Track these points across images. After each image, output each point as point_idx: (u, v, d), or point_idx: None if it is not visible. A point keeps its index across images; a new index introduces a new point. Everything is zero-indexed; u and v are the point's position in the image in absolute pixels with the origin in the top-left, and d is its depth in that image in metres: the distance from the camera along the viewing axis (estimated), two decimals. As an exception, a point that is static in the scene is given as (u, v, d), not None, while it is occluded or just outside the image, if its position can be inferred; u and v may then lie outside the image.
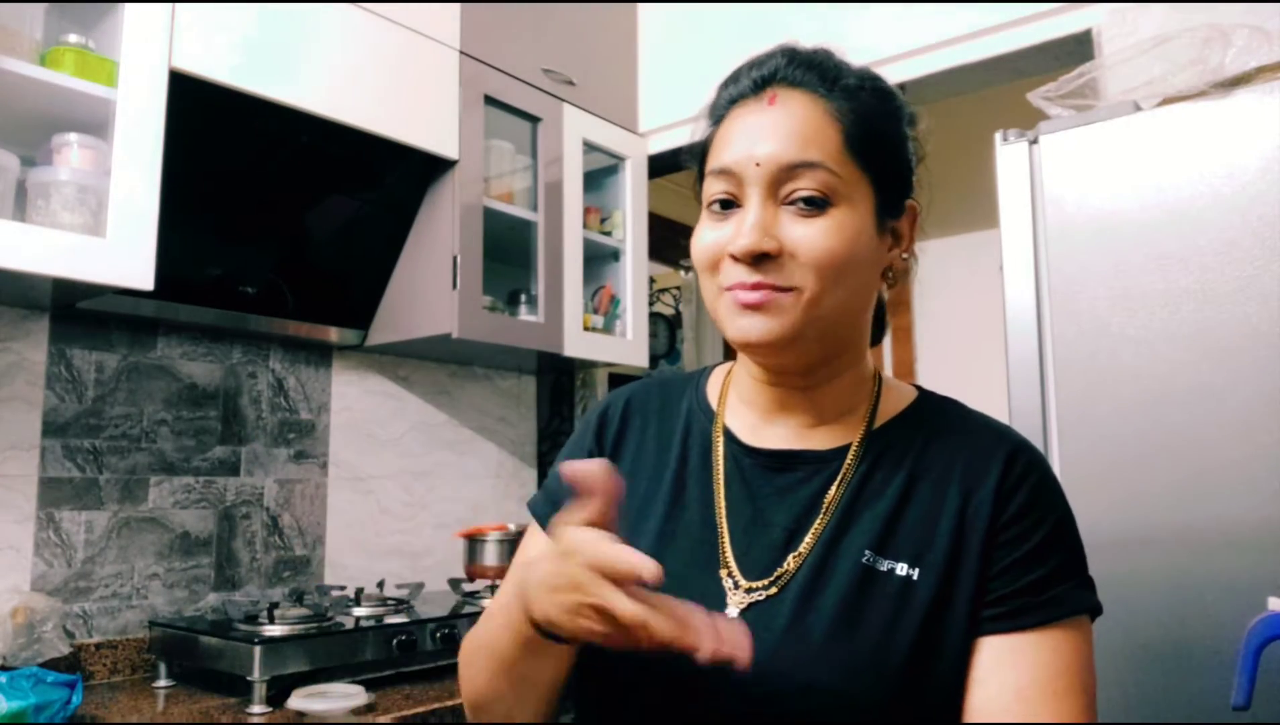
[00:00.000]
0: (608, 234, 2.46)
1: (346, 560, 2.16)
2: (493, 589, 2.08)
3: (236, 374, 2.00)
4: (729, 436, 0.83)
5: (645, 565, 0.58)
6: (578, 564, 0.61)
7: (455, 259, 2.00)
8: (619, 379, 2.77)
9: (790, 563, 0.74)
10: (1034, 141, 1.42)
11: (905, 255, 0.81)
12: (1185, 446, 1.23)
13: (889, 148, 0.77)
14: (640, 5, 2.61)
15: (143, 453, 1.82)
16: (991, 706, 0.69)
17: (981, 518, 0.73)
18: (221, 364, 1.97)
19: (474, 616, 1.81)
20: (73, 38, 1.50)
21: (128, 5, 1.51)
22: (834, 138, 0.73)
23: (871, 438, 0.79)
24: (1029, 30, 1.92)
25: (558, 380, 2.68)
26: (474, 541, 2.14)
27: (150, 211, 1.51)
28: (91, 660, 1.69)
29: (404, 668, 1.72)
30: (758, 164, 0.73)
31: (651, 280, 2.96)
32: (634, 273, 2.48)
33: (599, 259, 2.47)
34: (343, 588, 1.93)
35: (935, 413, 0.81)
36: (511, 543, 2.12)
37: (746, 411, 0.83)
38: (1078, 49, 1.84)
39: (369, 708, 1.50)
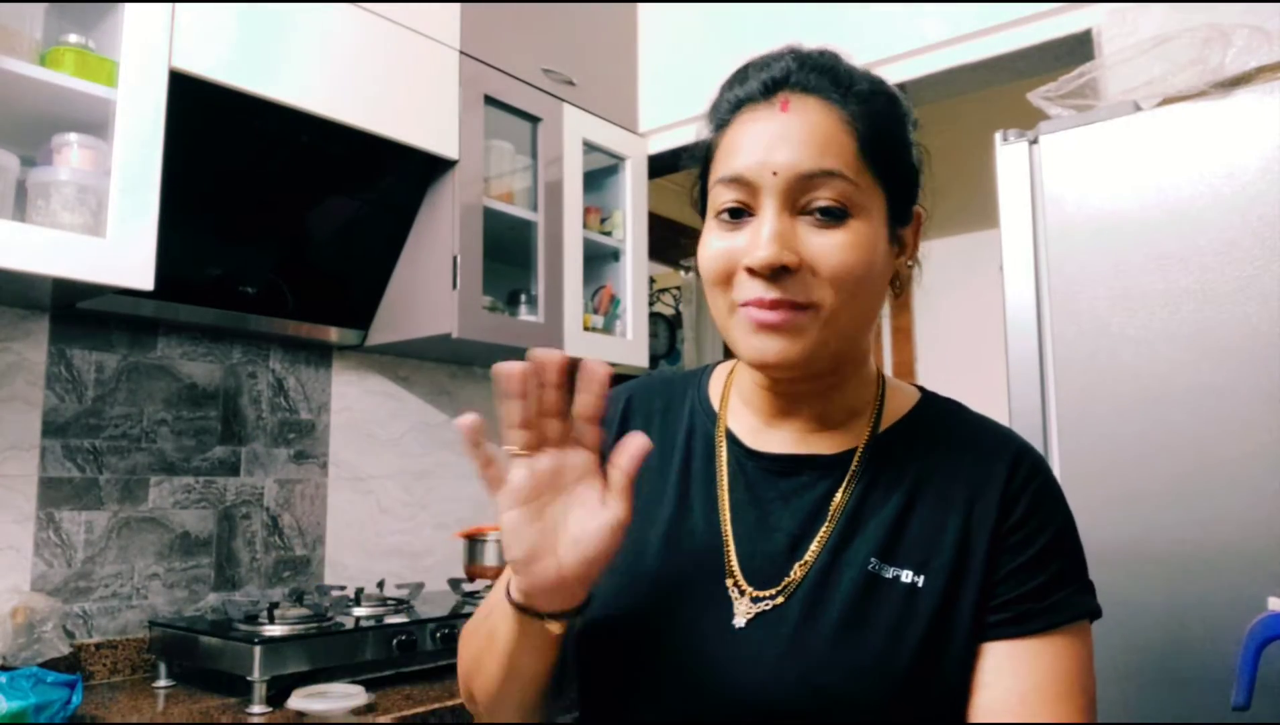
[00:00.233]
0: (608, 234, 2.46)
1: (346, 560, 2.16)
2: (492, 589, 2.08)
3: (236, 374, 2.00)
4: (732, 439, 0.81)
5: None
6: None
7: (455, 259, 2.00)
8: (619, 379, 2.77)
9: (796, 571, 0.74)
10: (1034, 141, 1.42)
11: (910, 262, 0.80)
12: (1185, 446, 1.23)
13: (899, 155, 0.76)
14: (640, 5, 2.61)
15: (143, 453, 1.82)
16: (995, 710, 0.69)
17: (986, 524, 0.73)
18: (221, 364, 1.97)
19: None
20: (73, 38, 1.50)
21: (128, 5, 1.51)
22: (849, 146, 0.71)
23: (876, 443, 0.78)
24: (1029, 30, 1.92)
25: (558, 380, 2.68)
26: (474, 541, 2.14)
27: (150, 211, 1.51)
28: (91, 660, 1.69)
29: (404, 668, 1.72)
30: (775, 172, 0.70)
31: (651, 280, 2.96)
32: (634, 273, 2.48)
33: (599, 259, 2.47)
34: (343, 588, 1.93)
35: (939, 416, 0.81)
36: (511, 543, 2.12)
37: (749, 414, 0.82)
38: (1078, 49, 1.84)
39: (369, 708, 1.50)
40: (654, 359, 2.71)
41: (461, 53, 2.07)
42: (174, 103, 1.55)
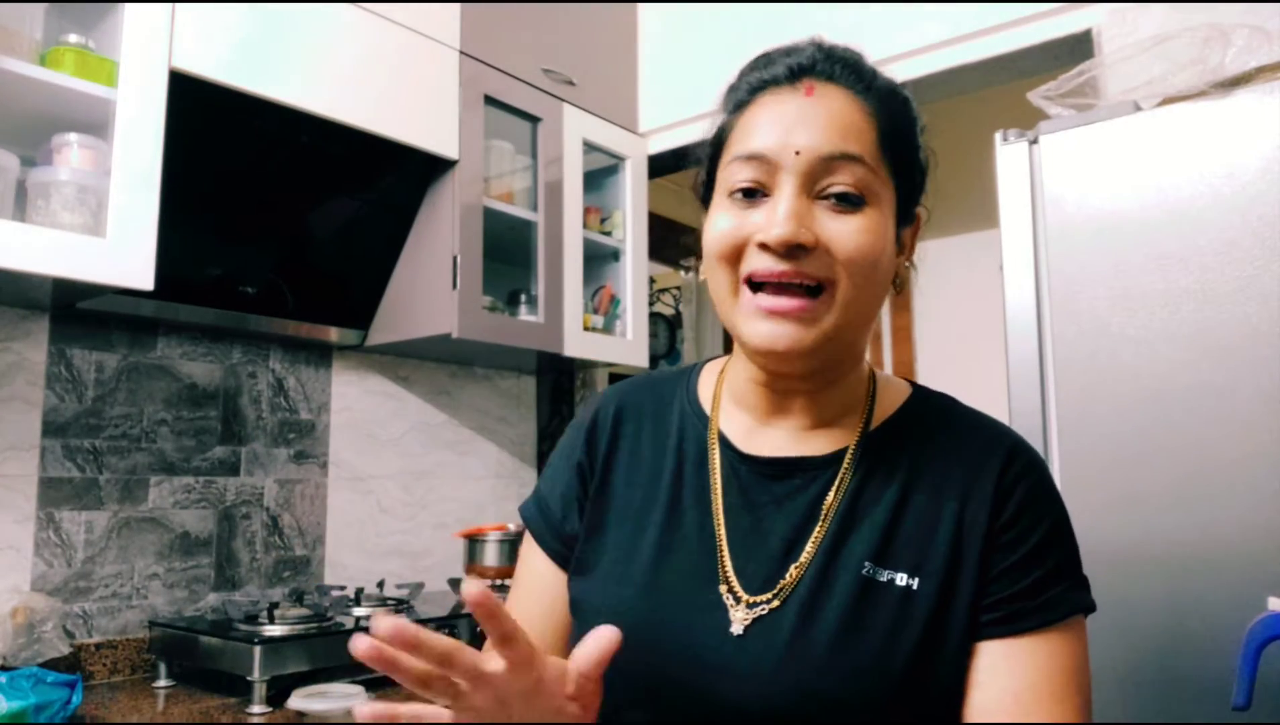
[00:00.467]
0: (608, 234, 2.46)
1: (346, 560, 2.16)
2: (493, 589, 2.08)
3: (236, 374, 2.00)
4: (724, 443, 0.81)
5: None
6: None
7: (455, 259, 2.00)
8: (619, 379, 2.77)
9: (791, 573, 0.73)
10: (1034, 141, 1.42)
11: (908, 263, 0.80)
12: (1185, 446, 1.23)
13: (912, 154, 0.77)
14: (640, 5, 2.61)
15: (143, 453, 1.82)
16: (990, 709, 0.69)
17: (979, 522, 0.72)
18: (221, 364, 1.97)
19: (473, 617, 1.81)
20: (73, 38, 1.50)
21: (128, 5, 1.51)
22: (870, 135, 0.72)
23: (868, 441, 0.78)
24: (1029, 30, 1.92)
25: (558, 380, 2.68)
26: (474, 541, 2.14)
27: (150, 211, 1.51)
28: (91, 660, 1.69)
29: (404, 668, 1.72)
30: (797, 152, 0.70)
31: (651, 280, 2.96)
32: (634, 273, 2.48)
33: (599, 259, 2.47)
34: (343, 588, 1.93)
35: (930, 412, 0.81)
36: (511, 543, 2.12)
37: (742, 414, 0.82)
38: (1078, 49, 1.84)
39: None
40: (654, 359, 2.71)
41: (461, 53, 2.07)
42: (174, 103, 1.55)
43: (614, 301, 2.45)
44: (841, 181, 0.70)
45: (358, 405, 2.22)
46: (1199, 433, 1.22)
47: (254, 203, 1.91)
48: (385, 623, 0.54)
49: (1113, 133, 1.35)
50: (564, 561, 0.85)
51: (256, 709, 1.48)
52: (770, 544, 0.75)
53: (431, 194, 2.07)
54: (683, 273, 3.43)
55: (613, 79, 2.50)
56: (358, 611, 1.78)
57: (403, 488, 2.31)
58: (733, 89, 0.78)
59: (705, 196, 0.80)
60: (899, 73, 2.29)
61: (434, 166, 2.05)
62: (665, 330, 3.23)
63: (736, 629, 0.72)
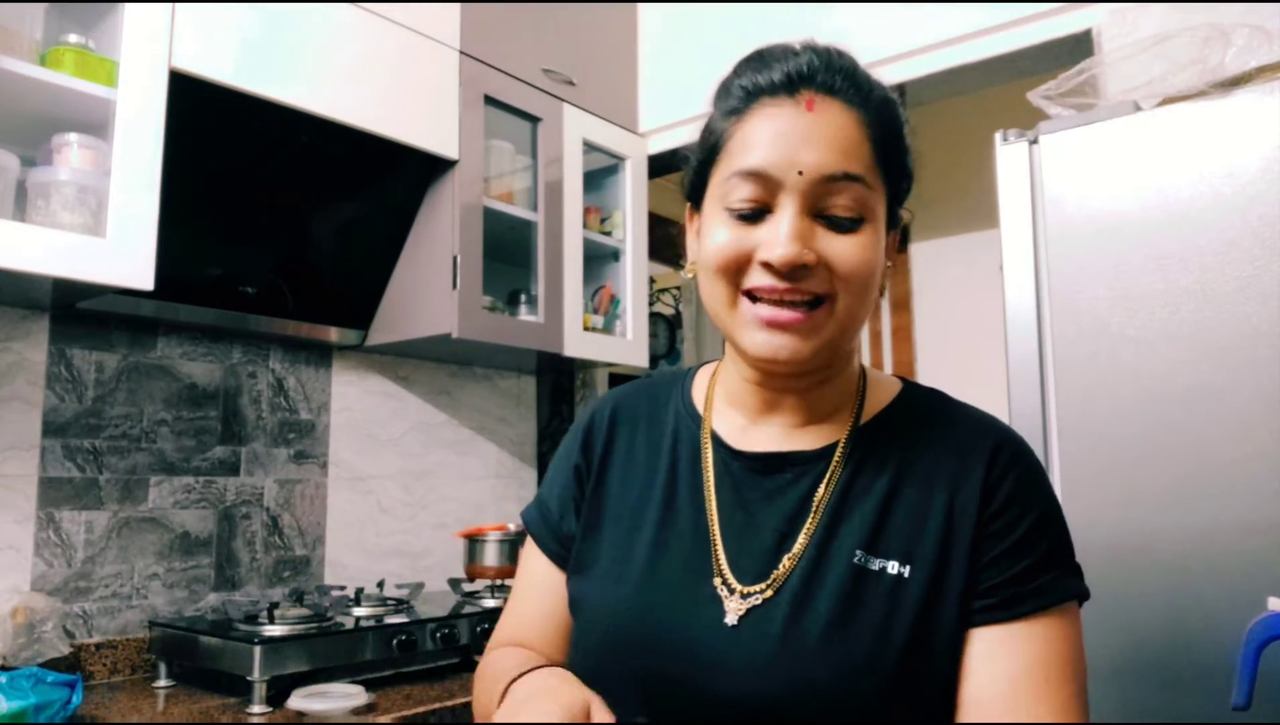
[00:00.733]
0: (608, 234, 2.46)
1: (346, 560, 2.16)
2: (492, 589, 2.08)
3: (236, 374, 2.00)
4: (717, 441, 0.82)
5: None
6: None
7: (455, 259, 2.00)
8: (619, 379, 2.77)
9: (784, 564, 0.74)
10: (1034, 141, 1.42)
11: (888, 263, 0.81)
12: (1185, 446, 1.23)
13: (903, 161, 0.77)
14: (640, 5, 2.61)
15: (143, 453, 1.82)
16: (984, 696, 0.69)
17: (969, 512, 0.73)
18: (221, 364, 1.97)
19: (474, 616, 1.82)
20: (73, 38, 1.50)
21: (128, 5, 1.51)
22: (867, 152, 0.73)
23: (858, 435, 0.79)
24: (1029, 30, 1.92)
25: (558, 380, 2.68)
26: (474, 541, 2.14)
27: (150, 211, 1.51)
28: (91, 660, 1.69)
29: (404, 668, 1.72)
30: (800, 171, 0.70)
31: (651, 280, 2.96)
32: (634, 273, 2.48)
33: (599, 259, 2.47)
34: (343, 588, 1.93)
35: (920, 406, 0.81)
36: (511, 543, 2.12)
37: (734, 413, 0.83)
38: (1078, 49, 1.84)
39: (369, 708, 1.50)
40: (654, 359, 2.71)
41: (461, 53, 2.07)
42: (174, 103, 1.55)
43: (614, 301, 2.45)
44: (843, 203, 0.71)
45: (358, 405, 2.22)
46: (1199, 433, 1.22)
47: (254, 203, 1.91)
48: None
49: (1113, 133, 1.35)
50: (563, 562, 0.87)
51: (256, 709, 1.48)
52: (763, 537, 0.76)
53: (431, 194, 2.07)
54: (683, 273, 3.43)
55: (613, 79, 2.50)
56: (358, 611, 1.78)
57: (403, 488, 2.31)
58: (726, 90, 0.77)
59: (694, 196, 0.81)
60: (899, 73, 2.30)
61: (434, 166, 2.05)
62: (665, 330, 3.23)
63: (731, 619, 0.73)
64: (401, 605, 1.88)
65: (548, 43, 2.30)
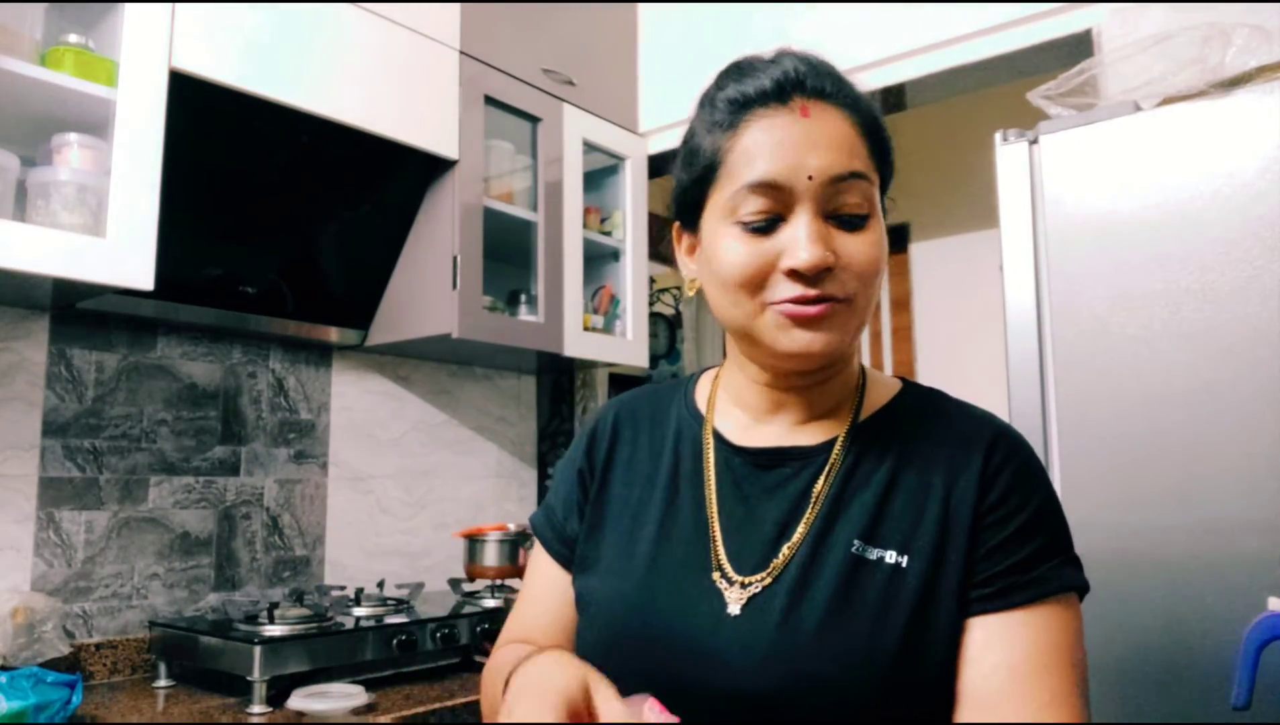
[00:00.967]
0: (608, 234, 2.46)
1: (346, 560, 2.16)
2: (493, 589, 2.08)
3: (236, 374, 2.00)
4: (718, 439, 0.84)
5: None
6: None
7: (455, 259, 2.00)
8: (619, 379, 2.77)
9: (783, 554, 0.75)
10: (1034, 141, 1.42)
11: None
12: (1185, 446, 1.23)
13: (889, 155, 0.79)
14: (640, 5, 2.61)
15: (143, 453, 1.83)
16: (984, 685, 0.70)
17: (966, 504, 0.74)
18: (221, 364, 1.97)
19: (474, 616, 1.82)
20: (73, 38, 1.50)
21: (128, 5, 1.51)
22: (864, 149, 0.75)
23: (857, 430, 0.80)
24: (1029, 30, 1.92)
25: (558, 380, 2.68)
26: (474, 541, 2.14)
27: (150, 211, 1.51)
28: (91, 660, 1.69)
29: (404, 668, 1.72)
30: (810, 176, 0.72)
31: (651, 280, 2.96)
32: (634, 273, 2.48)
33: (599, 259, 2.47)
34: (343, 588, 1.93)
35: (919, 403, 0.83)
36: (512, 543, 2.12)
37: (738, 413, 0.84)
38: (1078, 49, 1.84)
39: (369, 708, 1.50)
40: (654, 359, 2.71)
41: (461, 53, 2.07)
42: (174, 103, 1.55)
43: (614, 301, 2.45)
44: (852, 201, 0.73)
45: (358, 405, 2.22)
46: (1199, 433, 1.22)
47: (254, 203, 1.91)
48: None
49: (1113, 133, 1.35)
50: (568, 564, 0.89)
51: (256, 709, 1.48)
52: (763, 530, 0.77)
53: (431, 194, 2.07)
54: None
55: (613, 79, 2.50)
56: (358, 611, 1.78)
57: (403, 488, 2.31)
58: (710, 105, 0.78)
59: (687, 215, 0.81)
60: (899, 73, 2.31)
61: (434, 166, 2.05)
62: (665, 330, 3.23)
63: (733, 609, 0.74)
64: (401, 605, 1.88)
65: (548, 43, 2.30)
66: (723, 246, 0.75)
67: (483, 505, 2.50)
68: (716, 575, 0.76)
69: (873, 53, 2.13)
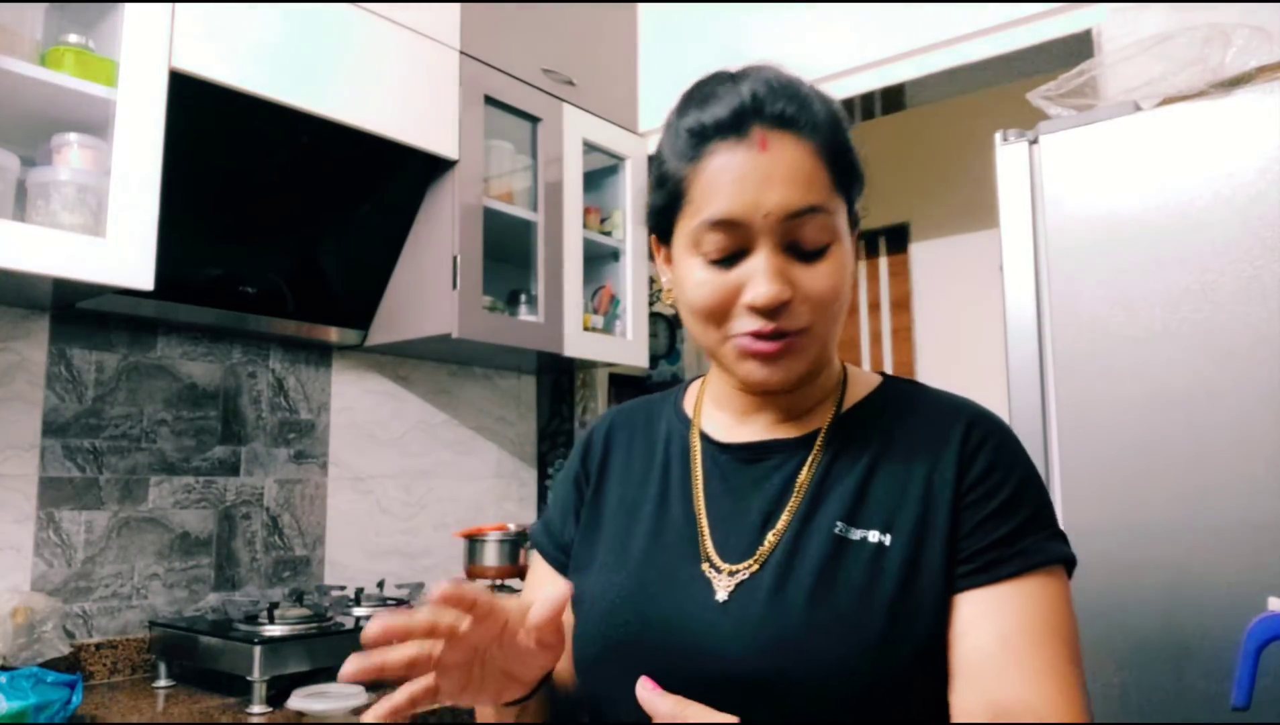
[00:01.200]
0: (608, 234, 2.46)
1: (346, 560, 2.16)
2: (493, 589, 2.08)
3: (236, 374, 2.00)
4: (705, 439, 0.86)
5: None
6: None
7: (455, 259, 2.00)
8: (619, 379, 2.77)
9: (769, 540, 0.77)
10: (1034, 141, 1.42)
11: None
12: (1185, 446, 1.23)
13: (857, 172, 0.79)
14: (640, 5, 2.61)
15: (143, 453, 1.82)
16: (975, 658, 0.70)
17: (947, 482, 0.75)
18: (221, 364, 1.97)
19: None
20: (73, 38, 1.50)
21: (128, 5, 1.51)
22: (824, 179, 0.75)
23: (839, 422, 0.82)
24: (1029, 30, 1.92)
25: (558, 380, 2.68)
26: (474, 541, 2.14)
27: (150, 211, 1.51)
28: (91, 660, 1.69)
29: (404, 668, 1.72)
30: (767, 214, 0.72)
31: (651, 280, 2.96)
32: (634, 273, 2.48)
33: (599, 259, 2.47)
34: (343, 588, 1.93)
35: (898, 394, 0.85)
36: (512, 543, 2.12)
37: (723, 414, 0.87)
38: (1078, 49, 1.84)
39: (369, 708, 1.50)
40: (654, 359, 2.71)
41: (461, 53, 2.07)
42: (174, 103, 1.55)
43: (614, 301, 2.45)
44: (809, 236, 0.74)
45: (358, 405, 2.22)
46: (1199, 433, 1.22)
47: (253, 203, 1.91)
48: (372, 628, 0.62)
49: (1113, 133, 1.35)
50: (566, 570, 0.90)
51: (256, 709, 1.48)
52: (749, 519, 0.79)
53: (431, 194, 2.07)
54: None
55: (613, 79, 2.50)
56: (358, 611, 1.78)
57: (403, 488, 2.31)
58: (674, 132, 0.79)
59: (660, 232, 0.83)
60: (899, 73, 2.30)
61: (434, 166, 2.05)
62: (665, 330, 3.22)
63: (721, 596, 0.75)
64: (401, 605, 1.88)
65: (548, 43, 2.30)
66: (688, 276, 0.77)
67: (483, 505, 2.50)
68: (705, 565, 0.78)
69: (873, 53, 2.13)
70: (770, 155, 0.73)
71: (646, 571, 0.80)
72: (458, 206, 2.02)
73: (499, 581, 2.10)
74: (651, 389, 3.00)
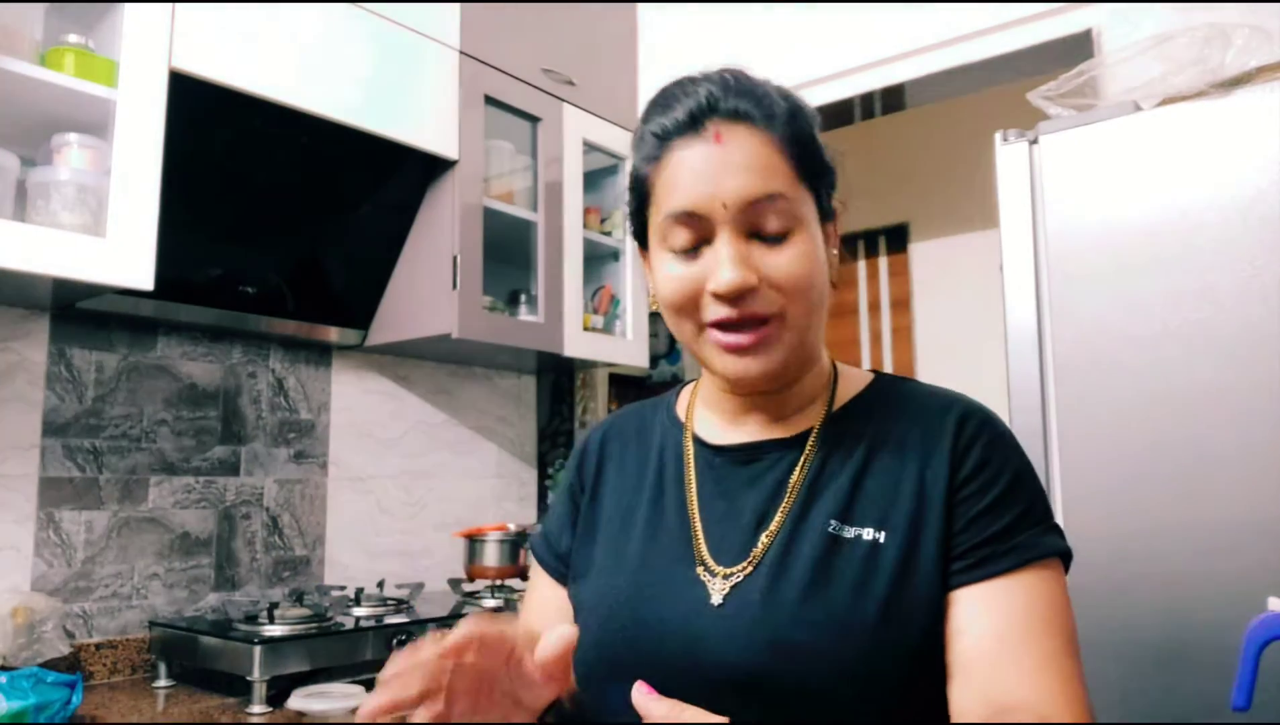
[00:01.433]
0: (608, 234, 2.46)
1: (346, 560, 2.16)
2: (493, 589, 2.08)
3: (236, 374, 2.00)
4: (698, 441, 0.86)
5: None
6: None
7: (455, 259, 2.00)
8: (619, 379, 2.77)
9: (762, 541, 0.77)
10: (1034, 141, 1.42)
11: (834, 250, 0.84)
12: (1185, 446, 1.23)
13: (820, 160, 0.80)
14: (640, 5, 2.61)
15: (143, 453, 1.82)
16: (972, 655, 0.70)
17: (940, 479, 0.75)
18: (221, 364, 1.97)
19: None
20: (73, 38, 1.50)
21: (128, 5, 1.51)
22: (783, 164, 0.76)
23: (831, 421, 0.82)
24: (1029, 30, 1.92)
25: (558, 380, 2.68)
26: (474, 541, 2.14)
27: (150, 211, 1.51)
28: (91, 660, 1.69)
29: (404, 668, 1.72)
30: (725, 204, 0.74)
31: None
32: (634, 273, 2.48)
33: (599, 259, 2.47)
34: (343, 588, 1.93)
35: (890, 391, 0.85)
36: (512, 543, 2.12)
37: (715, 417, 0.87)
38: (1078, 49, 1.84)
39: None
40: (654, 359, 2.71)
41: (461, 53, 2.07)
42: (174, 103, 1.55)
43: (614, 301, 2.45)
44: (770, 221, 0.75)
45: (358, 405, 2.22)
46: (1199, 433, 1.23)
47: (254, 203, 1.91)
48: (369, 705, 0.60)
49: (1113, 133, 1.35)
50: (564, 579, 0.91)
51: (256, 709, 1.48)
52: (743, 520, 0.79)
53: (431, 194, 2.07)
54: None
55: (613, 79, 2.50)
56: (358, 611, 1.79)
57: (403, 488, 2.31)
58: (640, 138, 0.81)
59: (639, 238, 0.85)
60: (900, 73, 2.31)
61: (434, 166, 2.05)
62: (665, 330, 3.23)
63: (716, 599, 0.76)
64: (401, 605, 1.88)
65: (548, 43, 2.30)
66: (660, 271, 0.79)
67: (483, 505, 2.50)
68: (700, 569, 0.78)
69: (873, 53, 2.13)
70: (725, 147, 0.75)
71: (642, 576, 0.80)
72: (458, 206, 2.02)
73: (499, 581, 2.10)
74: (652, 389, 3.00)
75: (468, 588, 2.15)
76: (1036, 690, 0.68)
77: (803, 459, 0.80)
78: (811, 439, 0.81)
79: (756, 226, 0.75)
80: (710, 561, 0.78)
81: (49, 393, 1.71)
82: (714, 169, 0.74)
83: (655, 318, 3.11)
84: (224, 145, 1.79)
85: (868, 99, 2.22)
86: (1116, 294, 1.31)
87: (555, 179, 2.27)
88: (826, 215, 0.81)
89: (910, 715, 0.71)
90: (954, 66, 2.03)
